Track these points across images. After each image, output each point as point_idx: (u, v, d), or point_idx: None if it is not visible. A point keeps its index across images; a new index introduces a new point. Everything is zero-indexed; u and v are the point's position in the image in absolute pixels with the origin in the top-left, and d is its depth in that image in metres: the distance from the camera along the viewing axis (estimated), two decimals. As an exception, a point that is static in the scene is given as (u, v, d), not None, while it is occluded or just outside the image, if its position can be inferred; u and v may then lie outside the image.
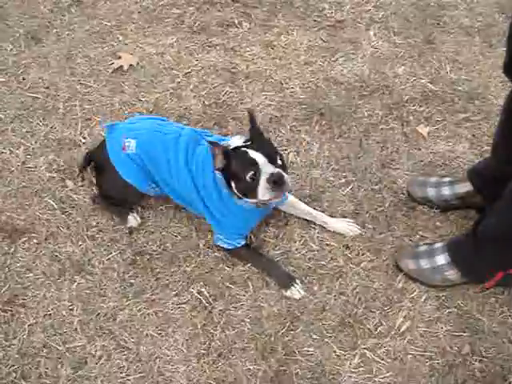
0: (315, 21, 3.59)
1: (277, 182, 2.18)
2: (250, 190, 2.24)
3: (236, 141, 2.40)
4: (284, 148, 2.93)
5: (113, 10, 3.69)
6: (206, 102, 3.18)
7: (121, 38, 3.53)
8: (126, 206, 2.70)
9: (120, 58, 3.41)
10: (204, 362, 2.30)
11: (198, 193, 2.46)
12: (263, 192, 2.20)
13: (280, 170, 2.21)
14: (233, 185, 2.31)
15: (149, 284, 2.51)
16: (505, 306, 2.41)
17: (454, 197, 2.65)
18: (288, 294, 2.46)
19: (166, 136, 2.50)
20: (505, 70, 2.13)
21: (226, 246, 2.53)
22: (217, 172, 2.34)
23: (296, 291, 2.45)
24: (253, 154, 2.24)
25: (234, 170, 2.26)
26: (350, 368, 2.27)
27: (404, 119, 3.07)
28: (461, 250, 2.40)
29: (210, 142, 2.28)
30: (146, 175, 2.54)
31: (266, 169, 2.20)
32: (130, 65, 3.38)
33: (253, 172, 2.20)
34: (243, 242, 2.53)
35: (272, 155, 2.26)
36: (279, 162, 2.27)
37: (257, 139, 2.35)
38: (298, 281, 2.48)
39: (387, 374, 2.26)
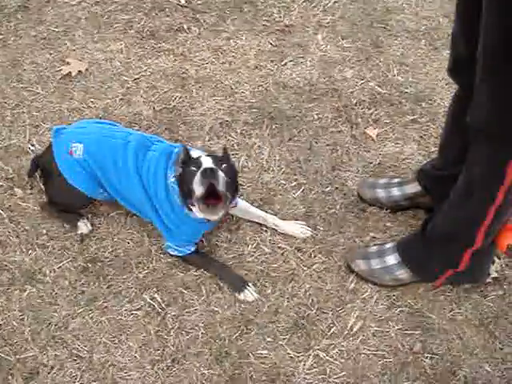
0: (264, 25, 3.61)
1: (206, 173, 2.18)
2: (188, 192, 2.26)
3: (198, 154, 2.43)
4: (235, 152, 2.94)
5: (60, 16, 3.64)
6: (157, 108, 3.17)
7: (69, 44, 3.49)
8: (75, 211, 2.67)
9: (68, 64, 3.37)
10: (158, 368, 2.28)
11: (150, 200, 2.45)
12: (197, 187, 2.20)
13: (215, 167, 2.22)
14: (180, 190, 2.33)
15: (101, 291, 2.49)
16: (454, 304, 2.45)
17: (403, 197, 2.69)
18: (241, 297, 2.46)
19: (114, 141, 2.48)
20: (449, 72, 2.17)
21: (175, 253, 2.52)
22: (172, 179, 2.34)
23: (249, 294, 2.46)
24: (204, 158, 2.28)
25: (184, 177, 2.29)
26: (304, 369, 2.28)
27: (353, 122, 3.11)
28: (410, 250, 2.44)
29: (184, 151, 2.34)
30: (95, 180, 2.51)
31: (205, 164, 2.24)
32: (79, 71, 3.34)
33: (194, 172, 2.22)
34: (193, 249, 2.52)
35: (220, 161, 2.30)
36: (223, 166, 2.29)
37: (221, 159, 2.39)
38: (250, 284, 2.48)
39: (341, 374, 2.28)
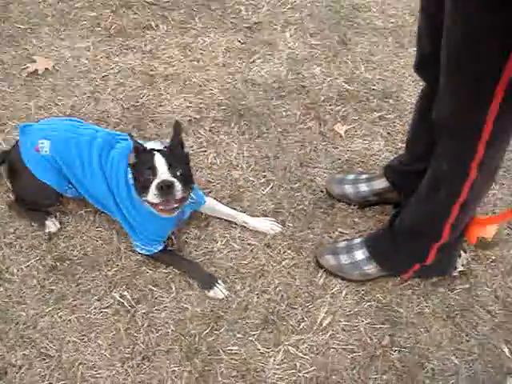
0: (232, 23, 3.62)
1: (163, 189, 2.18)
2: (143, 191, 2.25)
3: (152, 145, 2.39)
4: (203, 149, 2.94)
5: (26, 13, 3.61)
6: (125, 105, 3.16)
7: (35, 42, 3.47)
8: (43, 208, 2.65)
9: (35, 61, 3.34)
10: (128, 366, 2.28)
11: (114, 198, 2.44)
12: (152, 196, 2.21)
13: (173, 180, 2.21)
14: (134, 183, 2.32)
15: (70, 290, 2.47)
16: (421, 298, 2.48)
17: (371, 193, 2.71)
18: (211, 294, 2.46)
19: (80, 138, 2.46)
20: (415, 69, 2.20)
21: (143, 252, 2.52)
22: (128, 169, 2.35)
23: (219, 291, 2.46)
24: (158, 158, 2.26)
25: (138, 169, 2.29)
26: (274, 365, 2.30)
27: (321, 118, 3.13)
28: (378, 245, 2.47)
29: (131, 138, 2.31)
30: (62, 176, 2.49)
31: (161, 175, 2.22)
32: (46, 68, 3.31)
33: (149, 175, 2.22)
34: (161, 247, 2.52)
35: (175, 165, 2.27)
36: (178, 173, 2.26)
37: (173, 148, 2.36)
38: (220, 281, 2.48)
39: (311, 369, 2.29)
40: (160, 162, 2.25)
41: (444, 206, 2.11)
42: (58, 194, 2.58)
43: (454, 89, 1.77)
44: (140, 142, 2.44)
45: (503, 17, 1.46)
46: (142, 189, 2.25)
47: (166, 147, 2.37)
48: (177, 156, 2.34)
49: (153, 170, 2.23)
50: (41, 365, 2.28)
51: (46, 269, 2.53)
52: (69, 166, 2.46)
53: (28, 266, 2.54)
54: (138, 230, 2.47)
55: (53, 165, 2.46)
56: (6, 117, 3.07)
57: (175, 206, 2.26)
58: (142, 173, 2.25)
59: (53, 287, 2.48)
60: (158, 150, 2.31)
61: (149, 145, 2.39)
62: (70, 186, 2.53)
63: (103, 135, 2.50)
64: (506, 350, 2.35)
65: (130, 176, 2.35)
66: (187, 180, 2.31)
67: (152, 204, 2.26)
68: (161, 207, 2.26)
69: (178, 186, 2.21)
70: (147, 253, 2.51)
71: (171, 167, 2.24)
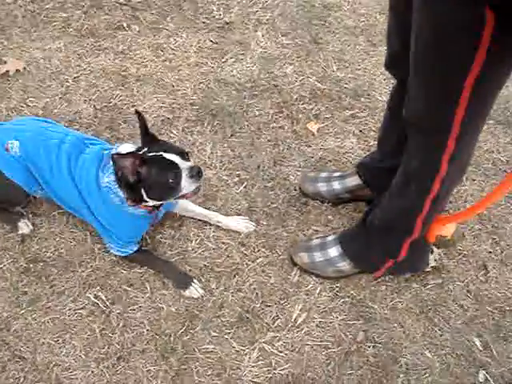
0: (204, 23, 3.62)
1: (198, 173, 2.22)
2: (171, 191, 2.24)
3: (126, 148, 2.33)
4: (177, 149, 2.94)
5: (-4, 14, 3.59)
6: (97, 106, 3.15)
7: (6, 43, 3.44)
8: (12, 208, 2.63)
9: (5, 62, 3.32)
10: (103, 367, 2.27)
11: (85, 203, 2.42)
12: (186, 186, 2.23)
13: (196, 164, 2.25)
14: (145, 194, 2.27)
15: (44, 291, 2.46)
16: (395, 293, 2.51)
17: (344, 190, 2.73)
18: (187, 293, 2.47)
19: (49, 141, 2.44)
20: (386, 67, 2.22)
21: (118, 253, 2.52)
22: (109, 185, 2.30)
23: (194, 290, 2.47)
24: (168, 156, 2.22)
25: (153, 177, 2.21)
26: (249, 362, 2.31)
27: (294, 117, 3.14)
28: (351, 242, 2.49)
29: (114, 156, 2.17)
30: (32, 177, 2.47)
31: (184, 165, 2.22)
32: (17, 70, 3.29)
33: (174, 174, 2.20)
34: (135, 248, 2.51)
35: (183, 153, 2.27)
36: (187, 156, 2.28)
37: (155, 142, 2.32)
38: (195, 280, 2.49)
39: (286, 366, 2.31)
40: (174, 158, 2.22)
41: (415, 202, 2.14)
42: (26, 194, 2.56)
43: (423, 86, 1.79)
44: (103, 148, 2.43)
45: (470, 15, 1.48)
46: (169, 191, 2.25)
47: (143, 146, 2.32)
48: (169, 146, 2.33)
49: (174, 169, 2.20)
50: (15, 367, 2.27)
51: (19, 271, 2.52)
52: (38, 169, 2.44)
53: (1, 268, 2.52)
54: (113, 232, 2.45)
55: (22, 165, 2.44)
56: (-23, 118, 3.04)
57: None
58: (162, 180, 2.21)
59: (26, 289, 2.47)
60: (149, 152, 2.26)
61: (122, 148, 2.34)
62: (40, 187, 2.51)
63: (72, 139, 2.47)
64: (478, 343, 2.39)
65: (106, 179, 2.30)
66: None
67: (187, 196, 2.30)
68: (192, 193, 2.31)
69: (202, 168, 2.26)
70: (122, 254, 2.51)
71: (181, 155, 2.25)
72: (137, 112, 2.32)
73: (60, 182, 2.43)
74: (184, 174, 2.21)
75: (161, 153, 2.23)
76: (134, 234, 2.51)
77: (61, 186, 2.44)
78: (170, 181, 2.20)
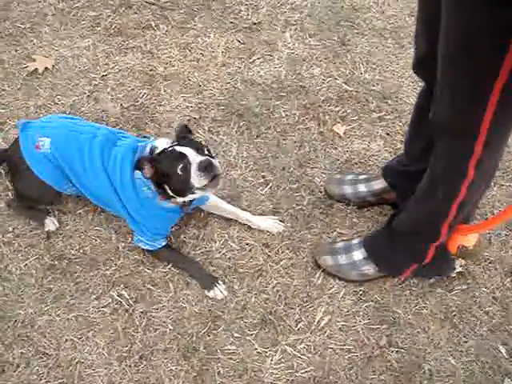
0: (232, 23, 3.61)
1: (207, 168, 2.19)
2: (184, 184, 2.23)
3: (162, 143, 2.37)
4: (203, 149, 2.94)
5: (26, 12, 3.61)
6: (124, 105, 3.16)
7: (35, 41, 3.46)
8: (43, 206, 2.65)
9: (35, 60, 3.34)
10: (126, 365, 2.29)
11: (117, 195, 2.43)
12: (197, 180, 2.20)
13: (207, 157, 2.22)
14: (167, 188, 2.30)
15: (68, 289, 2.48)
16: (419, 298, 2.49)
17: (369, 193, 2.71)
18: (211, 294, 2.47)
19: (81, 136, 2.46)
20: (414, 69, 2.20)
21: (147, 247, 2.52)
22: (142, 178, 2.32)
23: (218, 291, 2.47)
24: (179, 148, 2.24)
25: (164, 170, 2.24)
26: (271, 364, 2.30)
27: (320, 119, 3.13)
28: (376, 245, 2.47)
29: (138, 161, 2.26)
30: (62, 174, 2.49)
31: (195, 158, 2.20)
32: (46, 68, 3.32)
33: (182, 164, 2.20)
34: (164, 243, 2.52)
35: (198, 147, 2.27)
36: (206, 151, 2.28)
37: (185, 139, 2.36)
38: (220, 281, 2.49)
39: (308, 369, 2.30)
40: (185, 150, 2.23)
41: (442, 206, 2.11)
42: (58, 193, 2.58)
43: (451, 90, 1.77)
44: (135, 140, 2.45)
45: (499, 16, 1.46)
46: (182, 184, 2.24)
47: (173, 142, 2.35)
48: (191, 141, 2.34)
49: (183, 160, 2.20)
50: (38, 363, 2.29)
51: (44, 267, 2.54)
52: (69, 164, 2.46)
53: (26, 264, 2.54)
54: (143, 226, 2.47)
55: (53, 163, 2.46)
56: (6, 116, 3.07)
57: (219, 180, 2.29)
58: (172, 172, 2.22)
59: (51, 286, 2.49)
60: (171, 146, 2.30)
61: (159, 143, 2.38)
62: (70, 184, 2.53)
63: (104, 133, 2.50)
64: (503, 351, 2.36)
65: (137, 175, 2.34)
66: (212, 155, 2.34)
67: (200, 189, 2.26)
68: (210, 187, 2.28)
69: (214, 161, 2.24)
70: (151, 248, 2.52)
71: (197, 150, 2.24)
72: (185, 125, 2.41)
73: (93, 176, 2.44)
74: (193, 167, 2.20)
75: (174, 147, 2.25)
76: (162, 227, 2.52)
77: (93, 179, 2.45)
78: (179, 172, 2.20)
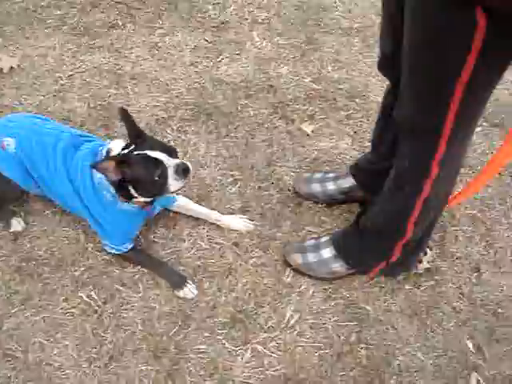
0: (199, 22, 3.61)
1: (184, 171, 2.20)
2: (159, 188, 2.23)
3: (117, 145, 2.33)
4: (171, 148, 2.93)
5: (-10, 11, 3.57)
6: (91, 104, 3.14)
7: (0, 40, 3.42)
8: (7, 204, 2.63)
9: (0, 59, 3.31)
10: (95, 366, 2.27)
11: (81, 199, 2.41)
12: (174, 184, 2.21)
13: (182, 161, 2.23)
14: (134, 192, 2.28)
15: (36, 290, 2.46)
16: (388, 295, 2.50)
17: (338, 192, 2.73)
18: (181, 294, 2.46)
19: (45, 138, 2.43)
20: (379, 68, 2.22)
21: (113, 251, 2.51)
22: (101, 181, 2.30)
23: (188, 291, 2.46)
24: (153, 154, 2.20)
25: (138, 175, 2.20)
26: (242, 363, 2.30)
27: (288, 118, 3.14)
28: (344, 243, 2.49)
29: (92, 166, 2.18)
30: (29, 174, 2.46)
31: (170, 163, 2.20)
32: (11, 67, 3.28)
33: (160, 171, 2.18)
34: (130, 246, 2.51)
35: (169, 150, 2.26)
36: (175, 154, 2.27)
37: (143, 139, 2.29)
38: (189, 280, 2.48)
39: (278, 367, 2.30)
40: (159, 155, 2.20)
41: (407, 204, 2.13)
42: (22, 191, 2.56)
43: (414, 88, 1.79)
44: (97, 144, 2.42)
45: (462, 17, 1.48)
46: (157, 189, 2.24)
47: (131, 143, 2.28)
48: (157, 143, 2.31)
49: (160, 166, 2.18)
50: (6, 366, 2.26)
51: (11, 269, 2.51)
52: (33, 166, 2.43)
53: (-7, 266, 2.51)
54: (108, 229, 2.45)
55: (18, 162, 2.43)
56: (-29, 116, 3.03)
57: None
58: (147, 177, 2.19)
59: (18, 288, 2.46)
60: (137, 149, 2.24)
61: (114, 145, 2.34)
62: (36, 184, 2.50)
63: (68, 136, 2.47)
64: (470, 345, 2.38)
65: (99, 175, 2.29)
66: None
67: (175, 191, 2.29)
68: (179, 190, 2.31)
69: (189, 164, 2.24)
70: (117, 252, 2.50)
71: (170, 154, 2.23)
72: (122, 110, 2.28)
73: (56, 179, 2.42)
74: (170, 172, 2.19)
75: (146, 151, 2.21)
76: (128, 230, 2.50)
77: (57, 182, 2.43)
78: (156, 178, 2.19)
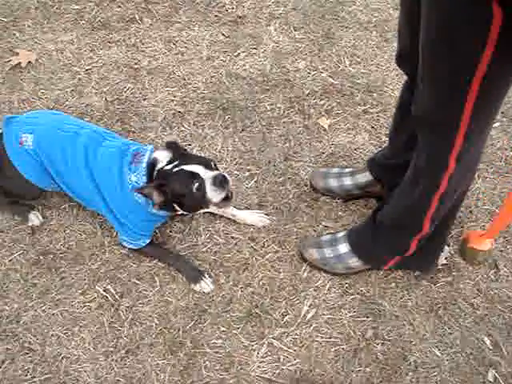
0: (216, 16, 3.61)
1: (221, 182, 2.21)
2: (200, 201, 2.26)
3: (163, 156, 2.36)
4: (188, 143, 2.93)
5: (8, 6, 3.58)
6: (108, 99, 3.15)
7: (18, 35, 3.44)
8: (25, 202, 2.64)
9: (18, 54, 3.32)
10: (112, 360, 2.28)
11: (101, 195, 2.42)
12: (213, 195, 2.23)
13: (219, 172, 2.24)
14: (179, 208, 2.34)
15: (53, 284, 2.47)
16: (405, 291, 2.50)
17: (354, 187, 2.72)
18: (197, 288, 2.47)
19: (64, 134, 2.44)
20: (397, 62, 2.21)
21: (131, 246, 2.52)
22: (133, 177, 2.32)
23: (205, 285, 2.47)
24: (188, 167, 2.24)
25: (177, 192, 2.25)
26: (258, 358, 2.31)
27: (305, 112, 3.13)
28: (360, 238, 2.48)
29: (138, 190, 2.26)
30: (45, 171, 2.46)
31: (207, 175, 2.22)
32: (29, 62, 3.30)
33: (198, 183, 2.21)
34: (148, 241, 2.51)
35: (206, 162, 2.28)
36: (214, 166, 2.30)
37: (183, 155, 2.36)
38: (206, 274, 2.49)
39: (294, 362, 2.30)
40: (195, 168, 2.24)
41: (424, 198, 2.12)
42: (40, 189, 2.57)
43: (431, 82, 1.78)
44: (138, 148, 2.43)
45: (478, 10, 1.46)
46: (197, 202, 2.27)
47: (174, 160, 2.34)
48: (194, 157, 2.37)
49: (197, 179, 2.22)
50: (24, 359, 2.28)
51: (29, 263, 2.52)
52: (52, 161, 2.44)
53: (11, 260, 2.53)
54: (127, 226, 2.46)
55: (35, 159, 2.44)
56: (-11, 110, 3.05)
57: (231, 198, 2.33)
58: (185, 191, 2.23)
59: (36, 281, 2.48)
60: (176, 166, 2.28)
61: (159, 155, 2.37)
62: (53, 181, 2.51)
63: (89, 132, 2.47)
64: (487, 342, 2.37)
65: (132, 177, 2.33)
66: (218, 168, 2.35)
67: (216, 204, 2.31)
68: (223, 203, 2.32)
69: (227, 175, 2.25)
70: (134, 247, 2.51)
71: (206, 166, 2.26)
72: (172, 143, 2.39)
73: (75, 175, 2.43)
74: (208, 184, 2.21)
75: (181, 167, 2.25)
76: (148, 226, 2.51)
77: (76, 178, 2.44)
78: (195, 191, 2.22)
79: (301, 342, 2.35)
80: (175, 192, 2.25)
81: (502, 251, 2.63)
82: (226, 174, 2.25)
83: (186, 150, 2.44)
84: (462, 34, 1.56)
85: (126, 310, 2.40)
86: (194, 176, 2.22)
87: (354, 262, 2.48)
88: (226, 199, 2.29)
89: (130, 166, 2.34)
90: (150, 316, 2.39)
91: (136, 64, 3.34)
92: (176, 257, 2.56)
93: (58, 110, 2.98)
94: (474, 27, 1.51)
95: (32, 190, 2.55)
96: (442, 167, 1.96)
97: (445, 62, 1.67)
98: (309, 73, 3.33)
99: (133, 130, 2.98)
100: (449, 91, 1.73)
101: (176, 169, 2.26)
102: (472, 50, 1.56)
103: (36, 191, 2.58)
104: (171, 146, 2.38)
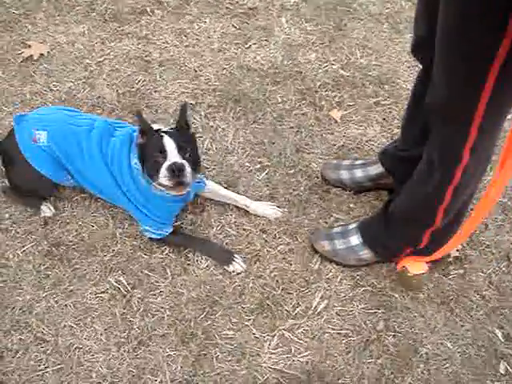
0: (227, 8, 3.60)
1: (174, 171, 2.20)
2: (153, 172, 2.26)
3: (156, 127, 2.39)
4: (199, 135, 2.93)
5: (20, -2, 3.60)
6: (120, 91, 3.15)
7: (30, 27, 3.45)
8: (39, 196, 2.65)
9: (30, 47, 3.34)
10: (124, 351, 2.29)
11: (118, 186, 2.43)
12: (163, 179, 2.22)
13: (183, 162, 2.22)
14: (139, 162, 2.34)
15: (66, 275, 2.48)
16: (416, 283, 2.49)
17: (366, 179, 2.71)
18: (230, 269, 2.48)
19: (78, 128, 2.45)
20: (412, 52, 2.19)
21: (154, 236, 2.52)
22: (134, 160, 2.34)
23: (238, 265, 2.48)
24: (167, 139, 2.26)
25: (147, 150, 2.29)
26: (269, 349, 2.31)
27: (317, 104, 3.12)
28: (372, 230, 2.47)
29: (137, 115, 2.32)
30: (61, 166, 2.48)
31: (172, 157, 2.22)
32: (41, 54, 3.31)
33: (158, 157, 2.23)
34: (171, 229, 2.52)
35: (184, 146, 2.27)
36: (188, 154, 2.28)
37: (180, 129, 2.37)
38: (236, 255, 2.50)
39: (305, 354, 2.30)
40: (169, 143, 2.25)
41: (437, 191, 2.11)
42: (54, 184, 2.58)
43: (447, 72, 1.77)
44: (134, 128, 2.45)
45: (494, 1, 1.46)
46: (152, 171, 2.26)
47: (172, 128, 2.38)
48: (185, 137, 2.35)
49: (162, 152, 2.23)
50: (37, 349, 2.29)
51: (41, 254, 2.53)
52: (68, 158, 2.45)
53: (24, 251, 2.54)
54: (148, 216, 2.47)
55: (51, 155, 2.45)
56: (1, 102, 3.06)
57: (186, 187, 2.31)
58: (151, 155, 2.26)
59: (48, 272, 2.49)
60: (166, 132, 2.32)
61: (155, 126, 2.41)
62: (69, 176, 2.53)
63: (101, 124, 2.49)
64: (499, 334, 2.37)
65: (135, 160, 2.35)
66: (196, 161, 2.34)
67: (163, 186, 2.28)
68: (171, 189, 2.29)
69: (188, 168, 2.23)
70: (158, 236, 2.52)
71: (181, 149, 2.25)
72: (184, 104, 2.41)
73: (92, 168, 2.44)
74: (165, 164, 2.21)
75: (165, 135, 2.28)
76: (166, 215, 2.52)
77: (93, 171, 2.45)
78: (154, 161, 2.24)
79: (312, 334, 2.35)
80: (146, 148, 2.29)
81: (514, 243, 2.62)
82: (188, 167, 2.23)
83: (188, 127, 2.44)
84: (479, 24, 1.55)
85: (138, 302, 2.41)
86: (164, 149, 2.24)
87: (366, 254, 2.47)
88: (179, 185, 2.26)
89: (133, 150, 2.38)
90: (162, 307, 2.40)
91: (147, 56, 3.34)
92: (203, 241, 2.58)
93: (69, 103, 3.00)
94: (492, 17, 1.51)
95: (45, 185, 2.57)
96: (455, 160, 1.95)
97: (461, 52, 1.66)
98: (320, 65, 3.33)
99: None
100: (464, 82, 1.72)
101: (161, 133, 2.30)
102: (490, 40, 1.55)
103: (49, 187, 2.60)
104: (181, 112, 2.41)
